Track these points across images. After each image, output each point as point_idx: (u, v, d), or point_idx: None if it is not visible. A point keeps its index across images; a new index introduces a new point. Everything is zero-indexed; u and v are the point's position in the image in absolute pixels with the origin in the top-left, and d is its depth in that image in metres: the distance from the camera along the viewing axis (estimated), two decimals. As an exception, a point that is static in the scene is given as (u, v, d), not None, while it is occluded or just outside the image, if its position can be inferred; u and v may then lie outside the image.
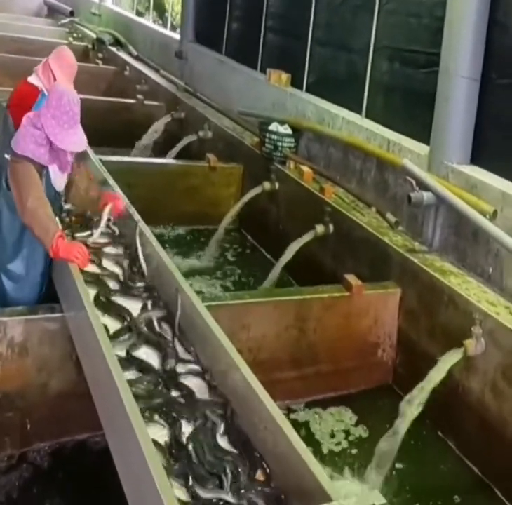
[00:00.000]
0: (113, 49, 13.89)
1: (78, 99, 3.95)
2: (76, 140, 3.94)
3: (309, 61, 7.72)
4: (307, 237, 5.81)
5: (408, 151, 5.64)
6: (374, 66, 6.49)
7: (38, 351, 3.91)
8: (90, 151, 5.50)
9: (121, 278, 4.12)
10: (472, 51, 4.99)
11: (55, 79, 5.18)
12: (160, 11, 14.20)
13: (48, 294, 4.18)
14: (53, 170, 4.04)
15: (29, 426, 3.88)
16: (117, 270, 4.20)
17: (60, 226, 3.98)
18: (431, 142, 5.34)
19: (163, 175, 7.47)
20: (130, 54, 13.33)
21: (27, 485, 3.68)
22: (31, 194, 3.79)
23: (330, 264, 5.84)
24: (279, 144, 7.01)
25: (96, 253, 4.24)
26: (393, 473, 4.03)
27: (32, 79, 5.32)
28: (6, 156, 4.27)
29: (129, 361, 3.35)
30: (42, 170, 3.94)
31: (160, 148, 9.14)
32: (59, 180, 4.13)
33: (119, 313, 3.72)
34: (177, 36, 12.05)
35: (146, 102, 10.35)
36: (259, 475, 2.70)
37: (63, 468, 3.83)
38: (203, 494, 2.64)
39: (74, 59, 5.43)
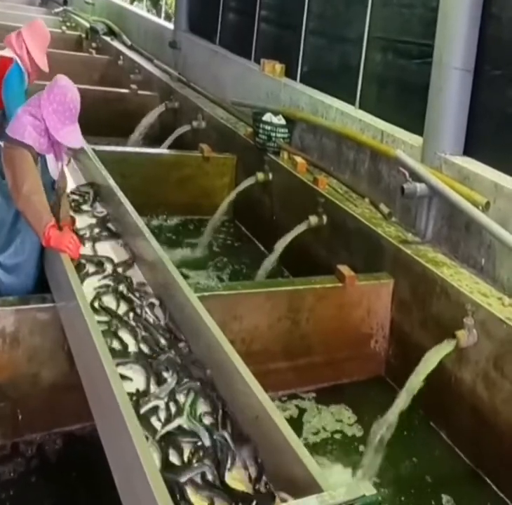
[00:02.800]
0: (107, 38, 13.86)
1: (79, 97, 3.98)
2: (76, 136, 4.01)
3: (303, 51, 7.70)
4: (301, 228, 5.81)
5: (401, 142, 5.63)
6: (368, 57, 6.48)
7: (30, 342, 3.90)
8: (83, 141, 5.48)
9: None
10: (465, 42, 4.97)
11: (27, 50, 5.20)
12: (154, 0, 14.14)
13: (42, 282, 4.17)
14: (49, 158, 4.06)
15: (20, 417, 3.87)
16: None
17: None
18: (425, 133, 5.33)
19: (157, 165, 7.46)
20: (123, 43, 13.30)
21: (18, 476, 3.66)
22: (27, 181, 3.80)
23: (323, 255, 5.84)
24: (273, 134, 6.99)
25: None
26: (385, 462, 4.03)
27: (4, 52, 5.37)
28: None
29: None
30: (38, 157, 3.96)
31: (154, 138, 9.12)
32: (55, 168, 4.16)
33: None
34: (170, 25, 12.01)
35: (140, 92, 10.34)
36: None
37: (54, 459, 3.83)
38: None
39: (47, 30, 5.48)
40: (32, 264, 4.14)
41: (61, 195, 4.33)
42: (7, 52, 5.35)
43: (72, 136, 3.97)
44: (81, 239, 4.27)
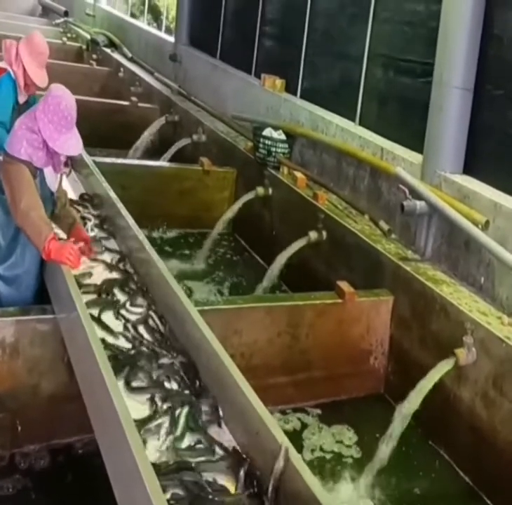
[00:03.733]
0: (108, 50, 13.90)
1: (75, 103, 3.96)
2: (73, 144, 3.96)
3: (304, 67, 7.74)
4: (300, 243, 5.82)
5: (401, 160, 5.66)
6: (368, 74, 6.52)
7: (30, 353, 3.90)
8: (84, 153, 5.50)
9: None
10: (465, 62, 5.01)
11: (24, 67, 5.21)
12: (155, 14, 14.20)
13: (42, 293, 4.17)
14: (48, 171, 4.04)
15: (19, 428, 3.86)
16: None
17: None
18: (424, 151, 5.36)
19: (157, 178, 7.47)
20: (124, 56, 13.35)
21: (16, 487, 3.65)
22: (25, 196, 3.79)
23: (323, 271, 5.85)
24: (273, 149, 7.02)
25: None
26: (384, 480, 4.03)
27: (1, 64, 5.36)
28: None
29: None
30: (36, 171, 3.94)
31: (154, 150, 9.13)
32: (53, 180, 4.14)
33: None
34: (171, 38, 12.06)
35: (140, 105, 10.37)
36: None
37: (53, 471, 3.81)
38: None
39: (45, 44, 5.41)
40: (32, 275, 4.13)
41: (61, 208, 4.33)
42: (3, 64, 5.35)
43: (69, 144, 3.92)
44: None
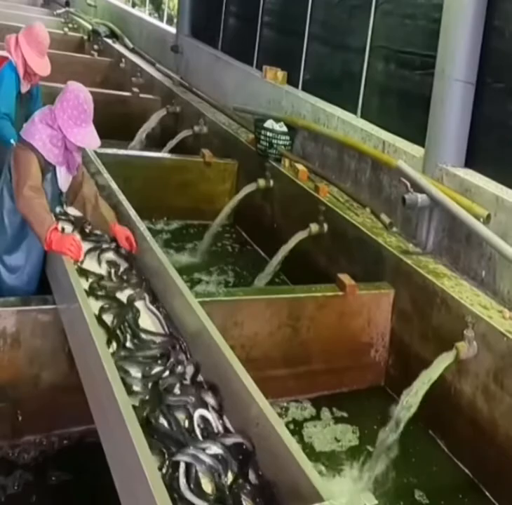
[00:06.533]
0: (109, 41, 13.86)
1: (91, 98, 3.98)
2: (92, 137, 4.00)
3: (305, 59, 7.71)
4: (301, 235, 5.82)
5: (403, 153, 5.65)
6: (370, 67, 6.50)
7: (31, 343, 3.90)
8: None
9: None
10: (468, 55, 4.99)
11: (23, 57, 5.20)
12: (157, 4, 14.16)
13: (44, 284, 4.17)
14: (61, 170, 4.07)
15: (20, 418, 3.87)
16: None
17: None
18: (426, 144, 5.35)
19: (158, 169, 7.47)
20: (125, 46, 13.31)
21: (17, 477, 3.66)
22: (28, 182, 3.81)
23: (324, 263, 5.85)
24: (274, 141, 7.01)
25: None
26: (384, 473, 4.04)
27: (2, 52, 5.38)
28: (12, 141, 4.32)
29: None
30: (49, 167, 3.97)
31: (155, 142, 9.12)
32: (65, 181, 4.17)
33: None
34: (173, 29, 12.02)
35: (141, 95, 10.34)
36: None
37: (54, 461, 3.82)
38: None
39: (46, 34, 5.41)
40: (37, 266, 4.15)
41: (92, 210, 4.38)
42: (4, 52, 5.36)
43: (89, 137, 3.97)
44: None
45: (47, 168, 3.95)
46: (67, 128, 3.88)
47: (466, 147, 5.17)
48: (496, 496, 4.05)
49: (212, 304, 4.22)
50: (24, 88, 5.39)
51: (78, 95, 3.91)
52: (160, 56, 11.97)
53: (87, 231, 4.53)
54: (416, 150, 5.56)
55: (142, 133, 9.14)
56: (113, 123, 8.95)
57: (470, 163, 5.15)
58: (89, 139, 3.97)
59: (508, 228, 4.54)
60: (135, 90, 10.43)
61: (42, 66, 5.33)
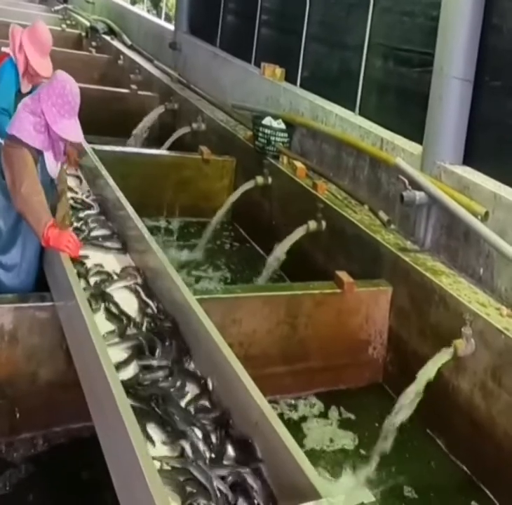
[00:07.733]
0: (107, 38, 13.84)
1: (79, 92, 3.95)
2: (75, 130, 3.96)
3: (304, 56, 7.71)
4: (300, 233, 5.81)
5: (401, 150, 5.65)
6: (368, 64, 6.50)
7: (28, 340, 3.90)
8: (83, 140, 5.47)
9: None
10: (466, 52, 4.99)
11: (26, 56, 5.20)
12: (155, 1, 14.14)
13: (41, 281, 4.17)
14: (48, 157, 4.04)
15: (18, 415, 3.87)
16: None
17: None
18: (424, 142, 5.35)
19: (157, 166, 7.45)
20: (123, 43, 13.30)
21: (15, 474, 3.67)
22: (26, 180, 3.78)
23: (322, 261, 5.84)
24: (272, 138, 7.00)
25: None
26: (381, 471, 4.05)
27: (4, 49, 5.41)
28: (0, 140, 4.30)
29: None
30: (38, 156, 3.93)
31: (153, 139, 9.11)
32: (53, 167, 4.13)
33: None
34: (171, 26, 12.01)
35: (139, 92, 10.34)
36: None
37: (51, 458, 3.83)
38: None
39: (48, 35, 5.40)
40: (33, 264, 4.14)
41: (60, 196, 4.33)
42: (6, 49, 5.36)
43: (71, 129, 3.92)
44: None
45: (37, 158, 3.91)
46: (50, 114, 3.83)
47: (464, 145, 5.17)
48: (494, 493, 4.05)
49: (210, 302, 4.22)
50: (26, 88, 5.38)
51: (65, 86, 3.87)
52: (158, 53, 11.96)
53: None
54: (415, 147, 5.56)
55: (139, 130, 9.13)
56: (111, 119, 8.99)
57: (468, 160, 5.15)
58: (70, 130, 3.92)
59: (506, 225, 4.54)
60: (133, 87, 10.43)
61: (44, 67, 5.33)
